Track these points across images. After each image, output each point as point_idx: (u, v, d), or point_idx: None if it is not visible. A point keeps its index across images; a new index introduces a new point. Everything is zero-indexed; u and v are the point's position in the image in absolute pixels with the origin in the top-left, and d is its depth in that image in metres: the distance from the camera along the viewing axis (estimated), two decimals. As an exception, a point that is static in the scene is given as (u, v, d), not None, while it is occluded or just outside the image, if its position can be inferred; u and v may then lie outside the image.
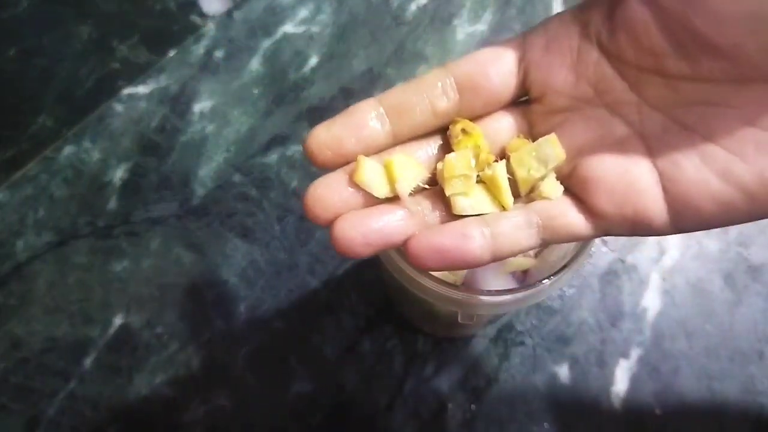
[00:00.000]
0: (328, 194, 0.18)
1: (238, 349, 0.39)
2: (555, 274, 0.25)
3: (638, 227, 0.18)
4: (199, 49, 0.48)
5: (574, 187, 0.19)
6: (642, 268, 0.41)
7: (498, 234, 0.18)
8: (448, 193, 0.19)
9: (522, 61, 0.20)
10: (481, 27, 0.49)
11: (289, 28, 0.49)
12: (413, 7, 0.50)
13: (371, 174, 0.18)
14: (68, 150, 0.45)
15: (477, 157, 0.19)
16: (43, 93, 0.47)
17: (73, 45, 0.49)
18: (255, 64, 0.48)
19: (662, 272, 0.41)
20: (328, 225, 0.18)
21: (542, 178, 0.19)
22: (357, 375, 0.38)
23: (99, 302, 0.40)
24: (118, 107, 0.46)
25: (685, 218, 0.18)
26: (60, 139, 0.45)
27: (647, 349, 0.39)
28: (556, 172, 0.20)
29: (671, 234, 0.18)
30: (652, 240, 0.42)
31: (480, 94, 0.20)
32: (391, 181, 0.19)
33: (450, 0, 0.50)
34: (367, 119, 0.19)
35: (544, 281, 0.25)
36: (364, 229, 0.18)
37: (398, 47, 0.48)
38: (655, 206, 0.18)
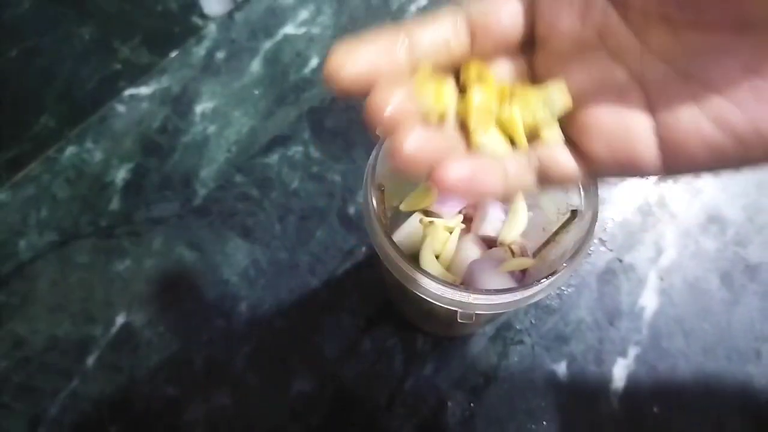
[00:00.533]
0: (366, 55, 0.18)
1: (238, 348, 0.39)
2: (553, 273, 0.25)
3: (628, 170, 0.19)
4: (201, 50, 0.49)
5: (568, 130, 0.20)
6: (640, 267, 0.41)
7: (507, 172, 0.19)
8: (471, 125, 0.19)
9: (531, 4, 0.20)
10: (481, 28, 0.50)
11: (289, 29, 0.49)
12: (413, 8, 0.50)
13: (429, 88, 0.18)
14: (70, 150, 0.45)
15: (499, 95, 0.19)
16: (45, 93, 0.47)
17: (75, 46, 0.49)
18: (256, 65, 0.48)
19: (660, 271, 0.41)
20: (350, 89, 0.18)
21: (546, 123, 0.19)
22: (357, 374, 0.38)
23: (101, 301, 0.40)
24: (120, 108, 0.46)
25: (676, 163, 0.18)
26: (62, 140, 0.45)
27: (645, 347, 0.39)
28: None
29: (661, 176, 0.18)
30: (649, 240, 0.42)
31: (491, 35, 0.20)
32: (439, 102, 0.18)
33: (449, 2, 0.50)
34: (394, 45, 0.19)
35: (542, 280, 0.25)
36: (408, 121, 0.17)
37: (398, 48, 0.49)
38: (648, 151, 0.18)
